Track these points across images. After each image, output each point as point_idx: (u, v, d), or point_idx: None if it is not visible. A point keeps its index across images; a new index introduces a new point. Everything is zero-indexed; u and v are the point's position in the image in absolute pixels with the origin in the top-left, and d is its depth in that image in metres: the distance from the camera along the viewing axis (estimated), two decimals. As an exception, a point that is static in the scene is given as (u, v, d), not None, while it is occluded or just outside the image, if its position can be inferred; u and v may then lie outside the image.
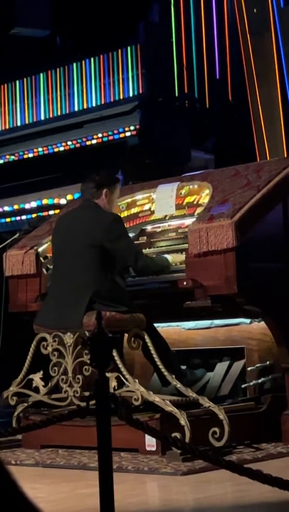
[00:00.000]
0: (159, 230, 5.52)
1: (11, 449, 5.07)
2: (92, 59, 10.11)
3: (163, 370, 4.68)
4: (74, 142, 9.91)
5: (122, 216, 5.69)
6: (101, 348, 2.90)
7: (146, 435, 4.46)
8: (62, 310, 4.76)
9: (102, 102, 9.97)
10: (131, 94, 9.72)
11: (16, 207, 10.15)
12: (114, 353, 4.41)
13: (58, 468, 4.56)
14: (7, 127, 10.78)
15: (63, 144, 9.99)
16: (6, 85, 10.80)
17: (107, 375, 2.93)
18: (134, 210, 5.70)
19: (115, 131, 9.54)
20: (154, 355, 4.71)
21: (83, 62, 10.20)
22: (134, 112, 9.50)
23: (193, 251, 4.75)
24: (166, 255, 5.01)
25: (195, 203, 5.39)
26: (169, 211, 5.46)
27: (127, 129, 9.46)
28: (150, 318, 4.86)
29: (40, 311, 5.01)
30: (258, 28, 9.71)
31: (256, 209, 4.75)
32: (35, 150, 10.25)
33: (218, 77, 10.62)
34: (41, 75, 10.52)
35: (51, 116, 10.41)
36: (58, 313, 4.78)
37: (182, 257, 4.96)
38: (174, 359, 5.00)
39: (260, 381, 4.98)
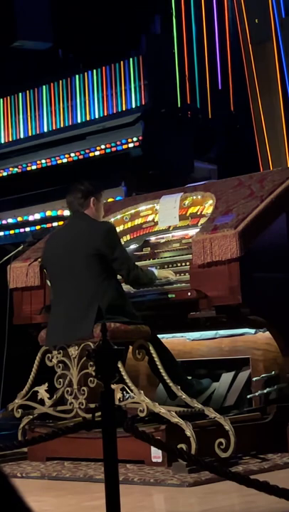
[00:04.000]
0: (162, 240, 5.53)
1: (16, 462, 5.07)
2: (94, 71, 10.13)
3: (168, 381, 4.67)
4: (77, 154, 9.93)
5: (125, 227, 5.71)
6: (106, 360, 2.90)
7: (152, 447, 4.45)
8: (70, 324, 4.75)
9: (105, 114, 9.98)
10: (133, 106, 9.73)
11: (19, 219, 10.16)
12: (120, 365, 4.40)
13: (63, 480, 4.55)
14: (10, 140, 10.80)
15: (66, 155, 10.01)
16: (8, 98, 10.83)
17: (112, 386, 2.93)
18: (137, 221, 5.70)
19: (118, 143, 9.55)
20: (160, 367, 4.70)
21: (85, 74, 10.22)
22: (137, 123, 9.51)
23: (197, 261, 4.75)
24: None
25: (198, 213, 5.39)
26: (172, 222, 5.46)
27: (129, 140, 9.47)
28: (154, 329, 4.85)
29: (48, 331, 4.95)
30: (260, 38, 9.73)
31: (260, 219, 4.75)
32: (38, 162, 10.26)
33: (220, 87, 10.65)
34: (44, 87, 10.54)
35: (54, 128, 10.43)
36: (67, 328, 4.77)
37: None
38: (180, 370, 5.00)
39: (265, 391, 4.97)
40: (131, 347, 4.76)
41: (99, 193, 5.04)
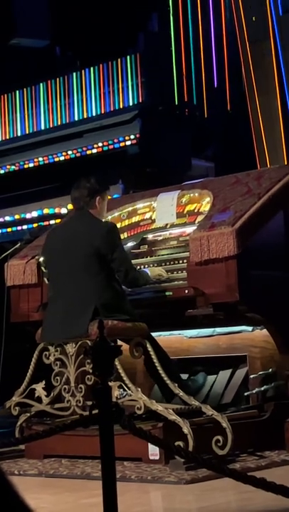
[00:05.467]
0: (160, 238, 5.53)
1: (13, 459, 5.06)
2: (91, 68, 10.13)
3: (166, 378, 4.67)
4: (74, 151, 9.93)
5: (123, 225, 5.70)
6: (103, 357, 2.90)
7: (149, 444, 4.45)
8: (68, 321, 4.75)
9: (102, 112, 9.99)
10: (131, 103, 9.74)
11: (16, 217, 10.16)
12: (117, 362, 4.40)
13: (61, 478, 4.55)
14: (7, 137, 10.80)
15: (64, 153, 10.01)
16: (6, 95, 10.82)
17: (110, 384, 2.93)
18: (135, 219, 5.70)
19: (115, 140, 9.55)
20: (157, 364, 4.70)
21: (83, 71, 10.22)
22: (134, 120, 9.51)
23: (194, 259, 4.75)
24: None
25: (196, 211, 5.39)
26: (169, 219, 5.46)
27: (127, 137, 9.47)
28: (151, 327, 4.85)
29: (44, 327, 4.95)
30: (257, 36, 9.72)
31: (257, 217, 4.75)
32: (35, 160, 10.26)
33: (217, 85, 10.65)
34: (41, 84, 10.54)
35: (51, 125, 10.43)
36: (64, 324, 4.77)
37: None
38: (176, 369, 5.00)
39: (262, 389, 4.97)
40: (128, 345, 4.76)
41: (105, 191, 5.03)
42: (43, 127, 10.51)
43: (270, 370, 5.02)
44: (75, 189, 4.98)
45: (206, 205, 5.27)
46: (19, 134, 10.70)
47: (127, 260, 4.87)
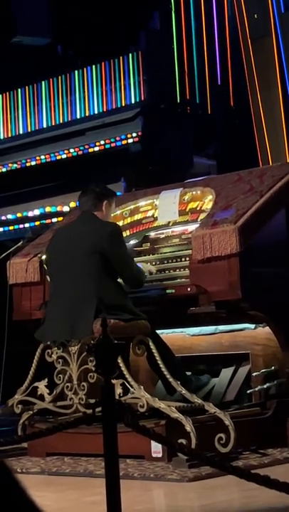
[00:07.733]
0: (162, 236, 5.52)
1: (16, 457, 5.07)
2: (93, 66, 10.13)
3: (168, 376, 4.67)
4: (76, 150, 9.93)
5: (125, 223, 5.70)
6: (106, 355, 2.90)
7: (152, 442, 4.45)
8: (70, 320, 4.74)
9: (104, 109, 9.99)
10: (133, 101, 9.74)
11: (19, 215, 10.17)
12: (119, 360, 4.40)
13: (63, 476, 4.56)
14: (9, 135, 10.80)
15: (66, 151, 10.02)
16: (8, 93, 10.82)
17: (113, 381, 2.93)
18: (137, 217, 5.70)
19: (117, 138, 9.56)
20: (159, 362, 4.71)
21: (85, 69, 10.22)
22: (136, 118, 9.52)
23: (196, 257, 4.75)
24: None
25: (198, 208, 5.39)
26: (172, 217, 5.46)
27: (129, 135, 9.48)
28: (154, 324, 4.85)
29: (44, 326, 4.93)
30: (259, 33, 9.72)
31: (259, 214, 4.75)
32: (37, 158, 10.27)
33: (219, 82, 10.65)
34: (43, 82, 10.54)
35: (53, 124, 10.43)
36: (66, 323, 4.76)
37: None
38: (179, 366, 5.00)
39: (265, 386, 4.97)
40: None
41: (112, 197, 5.10)
42: (45, 125, 10.51)
43: (273, 367, 5.01)
44: (83, 195, 5.05)
45: (208, 202, 5.27)
46: (21, 132, 10.71)
47: (130, 261, 4.88)
